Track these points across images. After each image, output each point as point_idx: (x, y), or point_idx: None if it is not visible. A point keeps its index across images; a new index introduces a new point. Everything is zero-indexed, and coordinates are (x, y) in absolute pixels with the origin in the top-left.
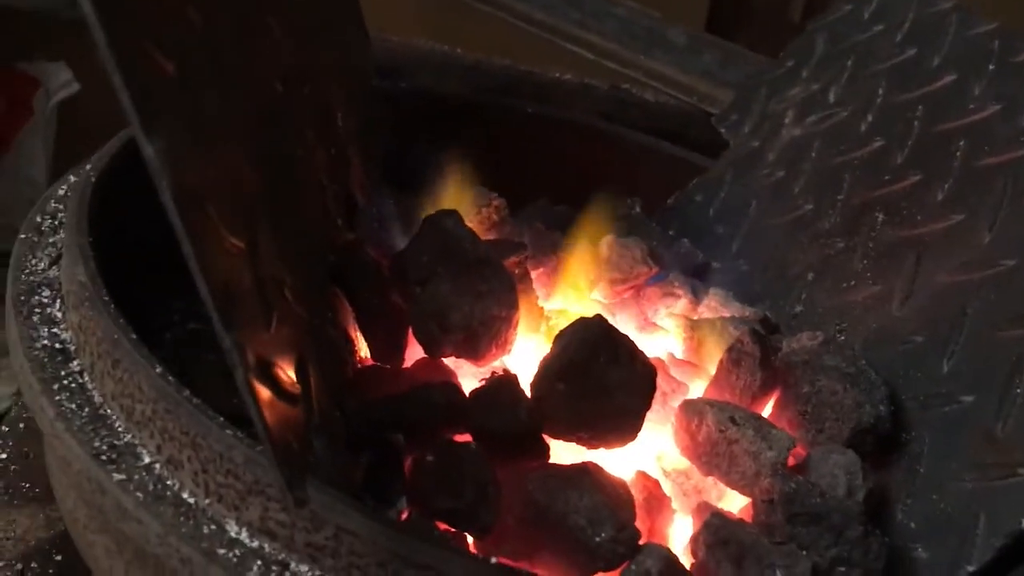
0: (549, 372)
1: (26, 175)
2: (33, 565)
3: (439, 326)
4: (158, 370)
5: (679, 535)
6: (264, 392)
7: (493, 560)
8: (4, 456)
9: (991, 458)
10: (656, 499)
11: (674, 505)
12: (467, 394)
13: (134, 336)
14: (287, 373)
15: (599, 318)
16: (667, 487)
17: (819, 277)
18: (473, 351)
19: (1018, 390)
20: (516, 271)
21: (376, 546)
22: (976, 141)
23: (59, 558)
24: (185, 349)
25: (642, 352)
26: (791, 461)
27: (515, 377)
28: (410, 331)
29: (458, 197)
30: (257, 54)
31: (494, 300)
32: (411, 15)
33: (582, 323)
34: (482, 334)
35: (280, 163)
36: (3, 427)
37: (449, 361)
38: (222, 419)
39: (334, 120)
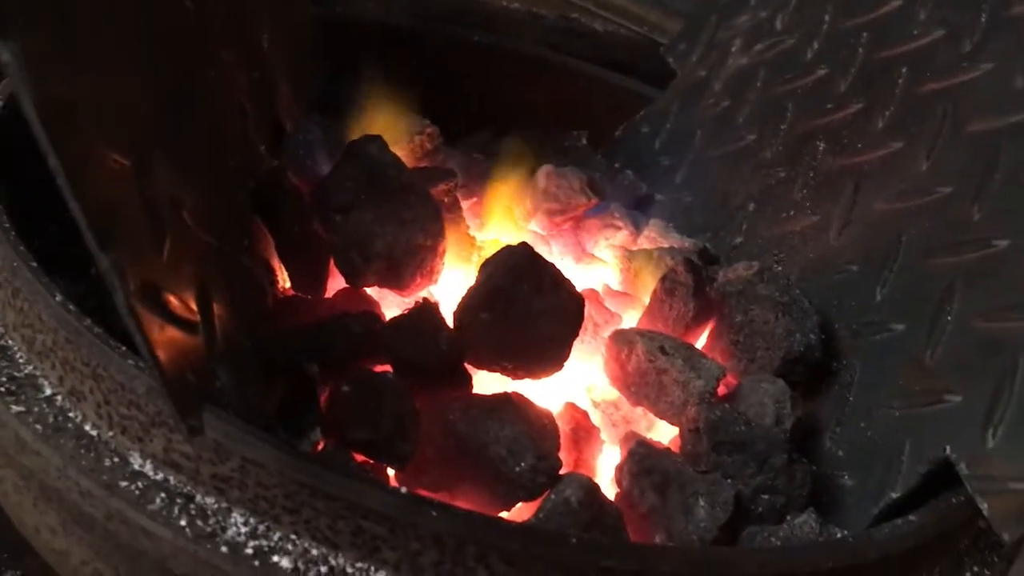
0: (472, 300)
1: None
2: None
3: (361, 255)
4: (58, 299)
5: (608, 466)
6: (151, 318)
7: (404, 490)
8: None
9: (919, 385)
10: (584, 430)
11: (603, 436)
12: (384, 322)
13: (34, 264)
14: (183, 300)
15: (524, 245)
16: (596, 418)
17: (760, 207)
18: (397, 281)
19: (948, 318)
20: (445, 200)
21: (283, 477)
22: (919, 68)
23: None
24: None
25: (568, 281)
26: (722, 391)
27: (436, 305)
28: (332, 261)
29: (389, 125)
30: None
31: (419, 228)
32: None
33: (507, 251)
34: (406, 263)
35: (185, 82)
36: None
37: (373, 291)
38: (124, 348)
39: (258, 43)
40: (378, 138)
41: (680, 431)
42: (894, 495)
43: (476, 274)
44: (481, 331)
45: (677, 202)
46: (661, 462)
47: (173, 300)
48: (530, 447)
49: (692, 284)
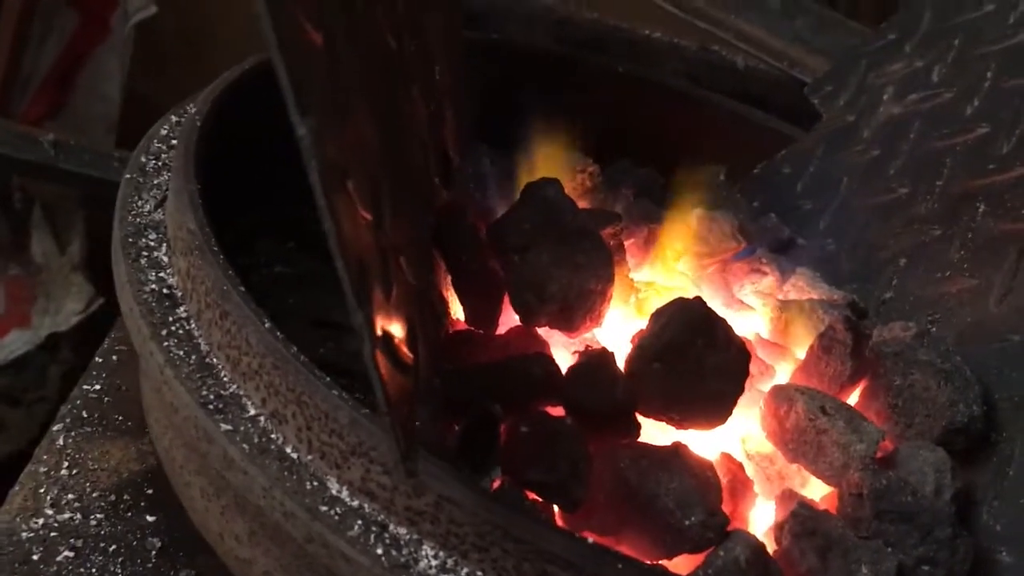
0: (646, 351)
1: (101, 92)
2: (126, 497)
3: (536, 296)
4: (267, 325)
5: (759, 519)
6: (387, 366)
7: (590, 540)
8: (98, 388)
9: None
10: (740, 483)
11: (756, 489)
12: (559, 366)
13: (243, 289)
14: (402, 344)
15: (699, 300)
16: (750, 470)
17: (911, 264)
18: (567, 323)
19: None
20: (611, 242)
21: (476, 516)
22: None
23: (150, 491)
24: (270, 292)
25: (738, 337)
26: (878, 454)
27: (612, 355)
28: (505, 298)
29: (553, 161)
30: (375, 9)
31: (591, 273)
32: None
33: (681, 304)
34: (577, 307)
35: (394, 123)
36: (96, 359)
37: (542, 331)
38: (328, 379)
39: (433, 74)
40: (555, 181)
41: (839, 494)
42: None
43: (636, 316)
44: (652, 381)
45: (820, 248)
46: (824, 525)
47: (399, 346)
48: (700, 502)
49: (851, 343)
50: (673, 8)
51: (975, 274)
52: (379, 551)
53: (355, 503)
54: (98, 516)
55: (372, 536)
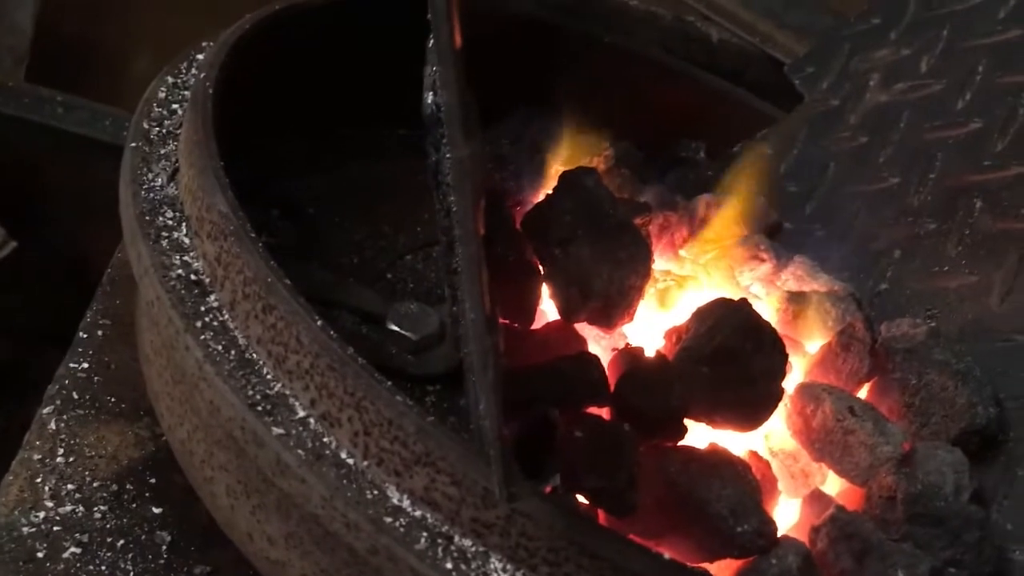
0: (692, 354)
1: (10, 21)
2: (128, 487)
3: (580, 293)
4: (319, 323)
5: (782, 517)
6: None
7: (666, 556)
8: (86, 366)
9: None
10: (768, 481)
11: (780, 487)
12: (605, 367)
13: (288, 281)
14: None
15: (744, 302)
16: (774, 467)
17: (907, 256)
18: (607, 320)
19: None
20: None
21: (551, 531)
22: None
23: (153, 480)
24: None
25: (782, 340)
26: None
27: (667, 360)
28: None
29: (572, 144)
30: None
31: (631, 269)
32: None
33: (727, 306)
34: (617, 303)
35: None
36: (80, 334)
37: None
38: (390, 383)
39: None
40: (593, 171)
41: (867, 495)
42: None
43: (658, 308)
44: (700, 385)
45: (809, 234)
46: (861, 529)
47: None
48: (753, 510)
49: (870, 342)
50: None
51: (974, 271)
52: (448, 565)
53: (418, 513)
54: (102, 508)
55: (440, 549)
